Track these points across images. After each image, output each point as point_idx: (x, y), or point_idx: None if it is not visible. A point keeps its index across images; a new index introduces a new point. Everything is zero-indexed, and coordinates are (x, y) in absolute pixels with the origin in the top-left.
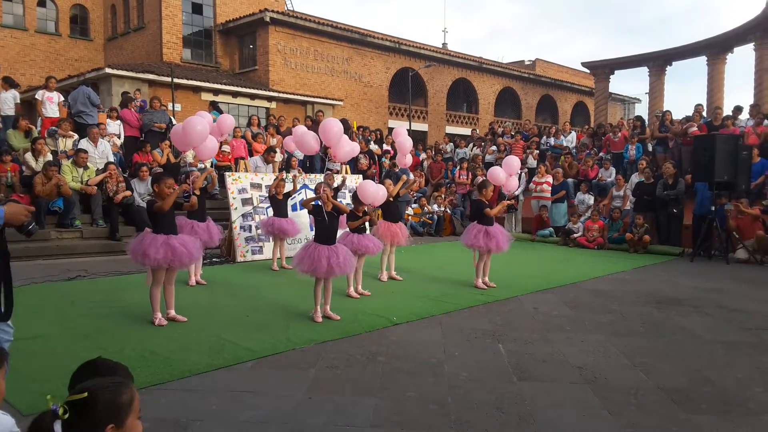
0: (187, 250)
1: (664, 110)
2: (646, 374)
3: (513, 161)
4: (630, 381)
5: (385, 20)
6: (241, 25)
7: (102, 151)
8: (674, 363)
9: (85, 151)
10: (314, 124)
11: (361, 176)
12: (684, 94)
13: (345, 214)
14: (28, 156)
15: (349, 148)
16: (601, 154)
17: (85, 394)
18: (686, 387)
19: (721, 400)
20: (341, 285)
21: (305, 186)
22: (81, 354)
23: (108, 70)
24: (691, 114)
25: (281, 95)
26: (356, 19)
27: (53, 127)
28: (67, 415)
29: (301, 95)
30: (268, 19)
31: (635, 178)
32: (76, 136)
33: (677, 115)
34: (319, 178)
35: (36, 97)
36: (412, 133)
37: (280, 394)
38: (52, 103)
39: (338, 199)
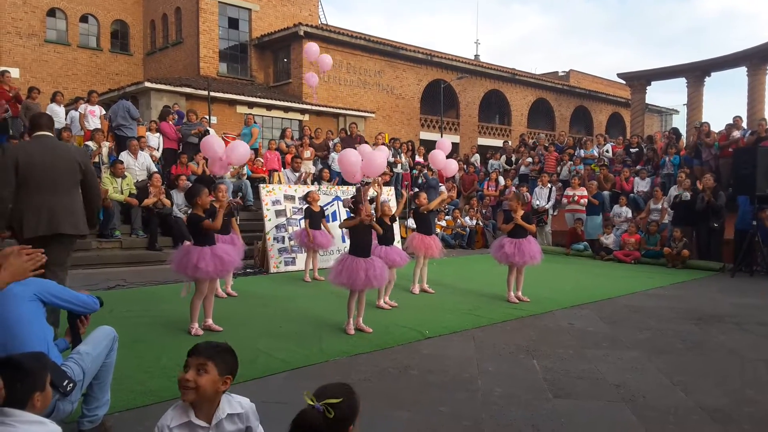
0: (232, 258)
1: (703, 121)
2: (686, 393)
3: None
4: (669, 400)
5: (417, 33)
6: (276, 39)
7: (142, 163)
8: (715, 381)
9: (122, 162)
10: (348, 137)
11: (392, 188)
12: (724, 105)
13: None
14: None
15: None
16: (638, 166)
17: (340, 399)
18: (728, 406)
19: (764, 420)
20: (371, 297)
21: (338, 198)
22: (119, 363)
23: (147, 84)
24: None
25: (314, 108)
26: (388, 32)
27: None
28: (332, 415)
29: (333, 108)
30: (302, 33)
31: (674, 191)
32: (109, 145)
33: (718, 126)
34: (352, 190)
35: (78, 110)
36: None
37: None
38: (94, 117)
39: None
